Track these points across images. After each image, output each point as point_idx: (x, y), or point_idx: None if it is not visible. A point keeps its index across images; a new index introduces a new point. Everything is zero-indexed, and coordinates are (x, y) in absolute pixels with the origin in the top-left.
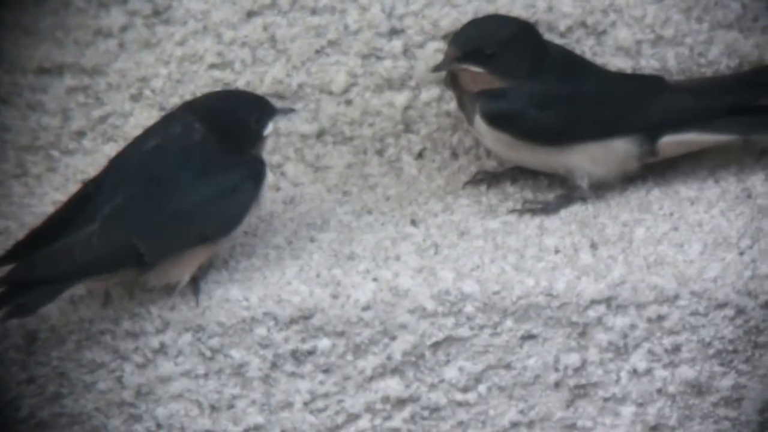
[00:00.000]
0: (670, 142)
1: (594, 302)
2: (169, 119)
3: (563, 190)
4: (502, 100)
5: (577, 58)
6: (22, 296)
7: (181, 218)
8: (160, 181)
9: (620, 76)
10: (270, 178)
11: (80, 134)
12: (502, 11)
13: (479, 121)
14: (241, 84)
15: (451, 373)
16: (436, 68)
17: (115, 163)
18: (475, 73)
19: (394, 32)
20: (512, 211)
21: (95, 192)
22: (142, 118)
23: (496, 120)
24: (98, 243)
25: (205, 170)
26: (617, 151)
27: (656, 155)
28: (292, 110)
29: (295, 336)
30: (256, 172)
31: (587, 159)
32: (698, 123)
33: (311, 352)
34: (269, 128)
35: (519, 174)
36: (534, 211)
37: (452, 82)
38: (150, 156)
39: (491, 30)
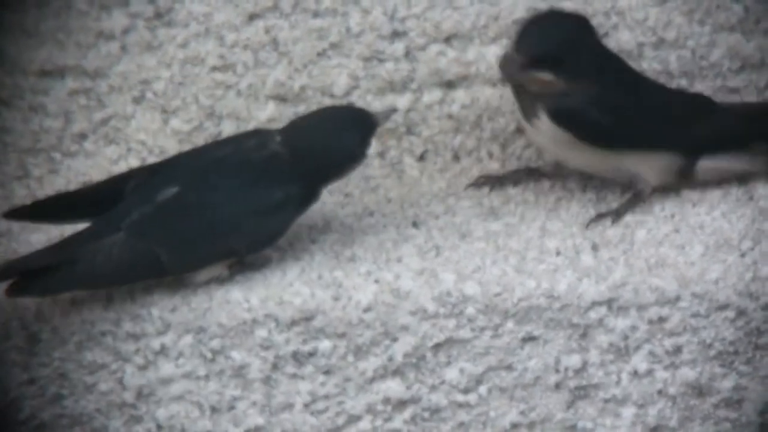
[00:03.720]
0: (708, 165)
1: (595, 304)
2: (255, 131)
3: (629, 194)
4: (568, 99)
5: (627, 64)
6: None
7: (210, 232)
8: (203, 190)
9: (673, 92)
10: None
11: (82, 137)
12: (505, 13)
13: (543, 118)
14: (242, 86)
15: (451, 374)
16: (504, 77)
17: (177, 160)
18: (541, 78)
19: (395, 35)
20: (589, 222)
21: (140, 183)
22: (144, 121)
23: (561, 118)
24: (120, 254)
25: (254, 186)
26: (661, 163)
27: (693, 175)
28: (394, 110)
29: (296, 337)
30: (304, 195)
31: (634, 165)
32: (737, 148)
33: (312, 354)
34: (372, 146)
35: (522, 177)
36: (605, 217)
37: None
38: (210, 163)
39: (558, 33)
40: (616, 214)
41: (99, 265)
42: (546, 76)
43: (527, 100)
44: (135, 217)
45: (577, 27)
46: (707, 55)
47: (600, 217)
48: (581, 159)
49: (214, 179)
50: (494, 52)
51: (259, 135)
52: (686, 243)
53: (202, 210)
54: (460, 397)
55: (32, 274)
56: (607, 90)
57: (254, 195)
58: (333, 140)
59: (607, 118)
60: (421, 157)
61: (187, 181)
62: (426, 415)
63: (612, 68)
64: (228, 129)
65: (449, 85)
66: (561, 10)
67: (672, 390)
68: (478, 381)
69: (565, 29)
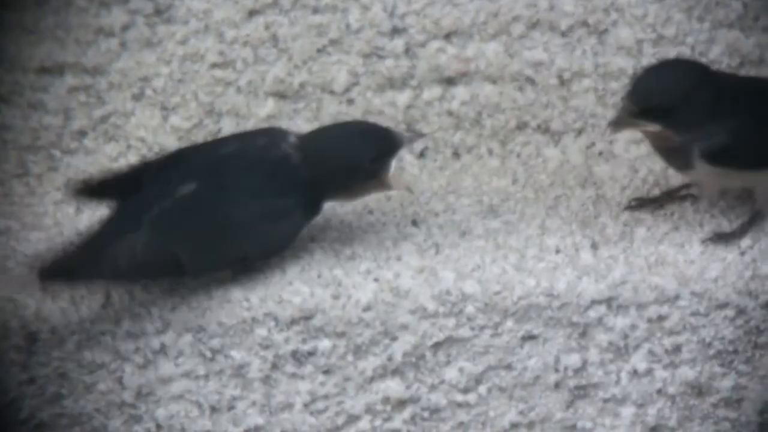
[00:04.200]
0: None
1: (594, 302)
2: (266, 131)
3: (749, 215)
4: (715, 138)
5: (740, 78)
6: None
7: (226, 235)
8: (219, 190)
9: None
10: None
11: (81, 134)
12: (504, 10)
13: (698, 164)
14: (242, 83)
15: (451, 373)
16: (613, 125)
17: (194, 152)
18: (649, 129)
19: (395, 31)
20: (707, 241)
21: (152, 178)
22: (144, 118)
23: (718, 158)
24: (143, 253)
25: (266, 190)
26: None
27: None
28: (421, 135)
29: (296, 337)
30: (310, 205)
31: None
32: None
33: (312, 353)
34: (392, 166)
35: (674, 196)
36: (725, 239)
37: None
38: (225, 159)
39: (668, 84)
40: (736, 236)
41: (123, 264)
42: (654, 127)
43: (672, 154)
44: (156, 214)
45: (692, 75)
46: (706, 52)
47: (720, 238)
48: (745, 183)
49: (230, 179)
50: (494, 49)
51: (270, 134)
52: (686, 241)
53: (218, 212)
54: (460, 397)
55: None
56: (746, 120)
57: (267, 200)
58: (345, 150)
59: (757, 142)
60: (421, 155)
61: (204, 178)
62: (425, 414)
63: (743, 99)
64: (228, 126)
65: (449, 81)
66: (677, 59)
67: (671, 389)
68: (478, 380)
69: (677, 79)
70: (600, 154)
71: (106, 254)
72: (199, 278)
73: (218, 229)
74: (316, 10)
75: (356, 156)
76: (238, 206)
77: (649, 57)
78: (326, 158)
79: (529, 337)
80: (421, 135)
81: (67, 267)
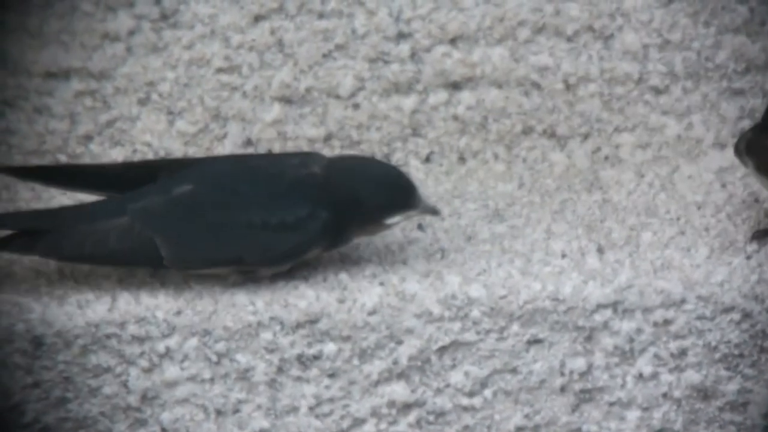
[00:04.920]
0: None
1: (600, 306)
2: (306, 153)
3: None
4: None
5: None
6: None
7: (217, 235)
8: (221, 192)
9: None
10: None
11: (87, 138)
12: (510, 15)
13: None
14: (248, 88)
15: (456, 377)
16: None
17: (210, 161)
18: None
19: (401, 36)
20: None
21: (166, 177)
22: (150, 122)
23: None
24: (117, 239)
25: (276, 200)
26: None
27: None
28: (436, 212)
29: (301, 340)
30: (331, 226)
31: None
32: None
33: (317, 357)
34: (395, 220)
35: None
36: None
37: (754, 149)
38: (240, 169)
39: None
40: None
41: (90, 244)
42: None
43: None
44: (143, 205)
45: None
46: (712, 57)
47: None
48: None
49: (235, 184)
50: (499, 54)
51: (306, 156)
52: (692, 245)
53: (211, 210)
54: (465, 401)
55: (20, 233)
56: None
57: (273, 209)
58: (363, 194)
59: None
60: (427, 159)
61: (209, 181)
62: (431, 418)
63: None
64: (233, 131)
65: (455, 86)
66: None
67: (677, 393)
68: (483, 384)
69: None
70: (606, 158)
71: (72, 234)
72: (182, 272)
73: (208, 225)
74: (321, 15)
75: (371, 203)
76: (236, 208)
77: (655, 62)
78: (345, 195)
79: (535, 341)
80: (437, 212)
81: (23, 238)
